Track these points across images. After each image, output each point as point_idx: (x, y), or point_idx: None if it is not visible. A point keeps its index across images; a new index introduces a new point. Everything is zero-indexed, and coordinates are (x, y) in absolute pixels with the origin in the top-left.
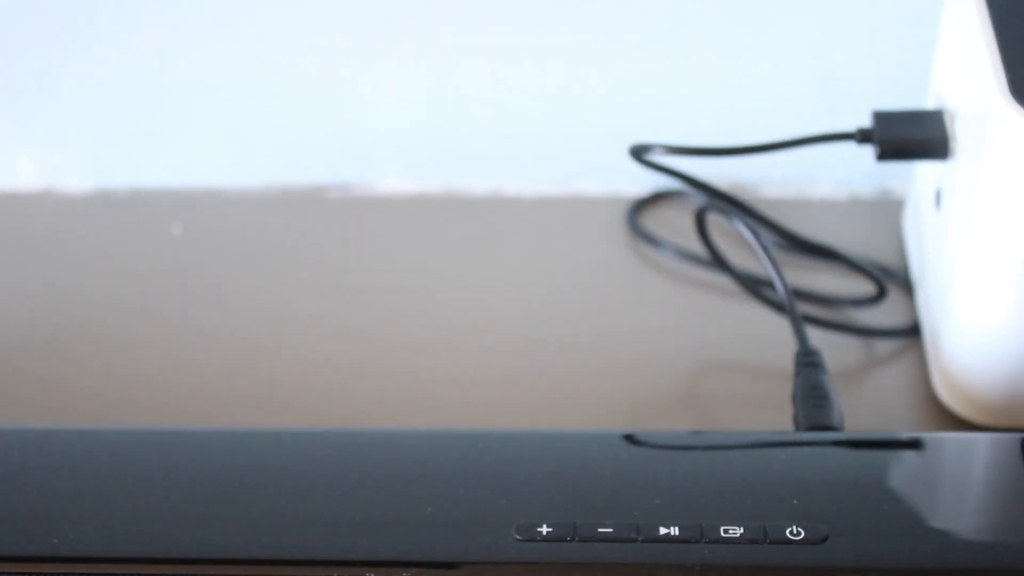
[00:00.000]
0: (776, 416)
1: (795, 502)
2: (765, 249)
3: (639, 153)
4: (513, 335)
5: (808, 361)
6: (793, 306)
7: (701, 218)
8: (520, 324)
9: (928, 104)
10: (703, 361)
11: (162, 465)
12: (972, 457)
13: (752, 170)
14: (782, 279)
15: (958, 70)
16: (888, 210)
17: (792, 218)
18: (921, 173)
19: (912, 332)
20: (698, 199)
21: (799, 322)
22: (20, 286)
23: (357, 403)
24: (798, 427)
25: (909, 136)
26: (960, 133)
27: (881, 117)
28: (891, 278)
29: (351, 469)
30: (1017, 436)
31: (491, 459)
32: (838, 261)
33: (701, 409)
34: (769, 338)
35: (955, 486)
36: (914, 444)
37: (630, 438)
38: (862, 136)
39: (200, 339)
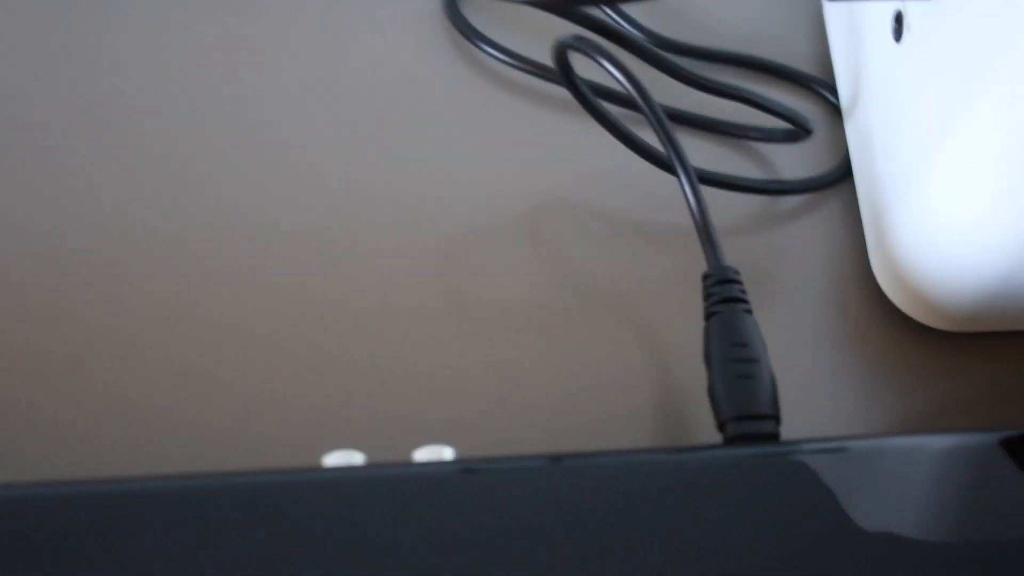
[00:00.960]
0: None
1: None
2: (646, 101)
3: None
4: (319, 139)
5: (725, 295)
6: (705, 216)
7: (561, 53)
8: (330, 130)
9: None
10: (543, 194)
11: None
12: (945, 471)
13: None
14: (678, 153)
15: None
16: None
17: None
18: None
19: (840, 178)
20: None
21: (709, 230)
22: None
23: None
24: (718, 414)
25: None
26: None
27: None
28: (811, 85)
29: None
30: (993, 436)
31: None
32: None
33: (538, 247)
34: (631, 171)
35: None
36: (877, 455)
37: (481, 485)
38: None
39: None
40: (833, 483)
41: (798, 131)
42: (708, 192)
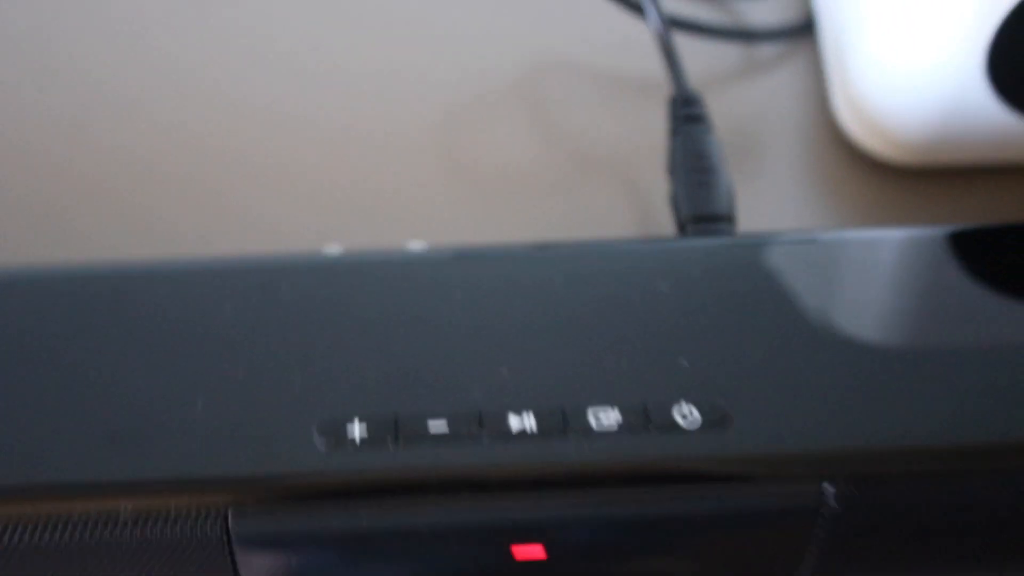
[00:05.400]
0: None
1: (684, 364)
2: None
3: None
4: (332, 25)
5: (688, 114)
6: (669, 44)
7: None
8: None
9: None
10: (545, 59)
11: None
12: (898, 261)
13: None
14: None
15: None
16: None
17: None
18: None
19: (804, 31)
20: None
21: (672, 55)
22: None
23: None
24: (678, 216)
25: None
26: None
27: None
28: None
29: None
30: (942, 230)
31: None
32: None
33: (539, 112)
34: (625, 39)
35: (882, 338)
36: (829, 246)
37: (456, 268)
38: None
39: None
40: (782, 270)
41: None
42: (681, 41)
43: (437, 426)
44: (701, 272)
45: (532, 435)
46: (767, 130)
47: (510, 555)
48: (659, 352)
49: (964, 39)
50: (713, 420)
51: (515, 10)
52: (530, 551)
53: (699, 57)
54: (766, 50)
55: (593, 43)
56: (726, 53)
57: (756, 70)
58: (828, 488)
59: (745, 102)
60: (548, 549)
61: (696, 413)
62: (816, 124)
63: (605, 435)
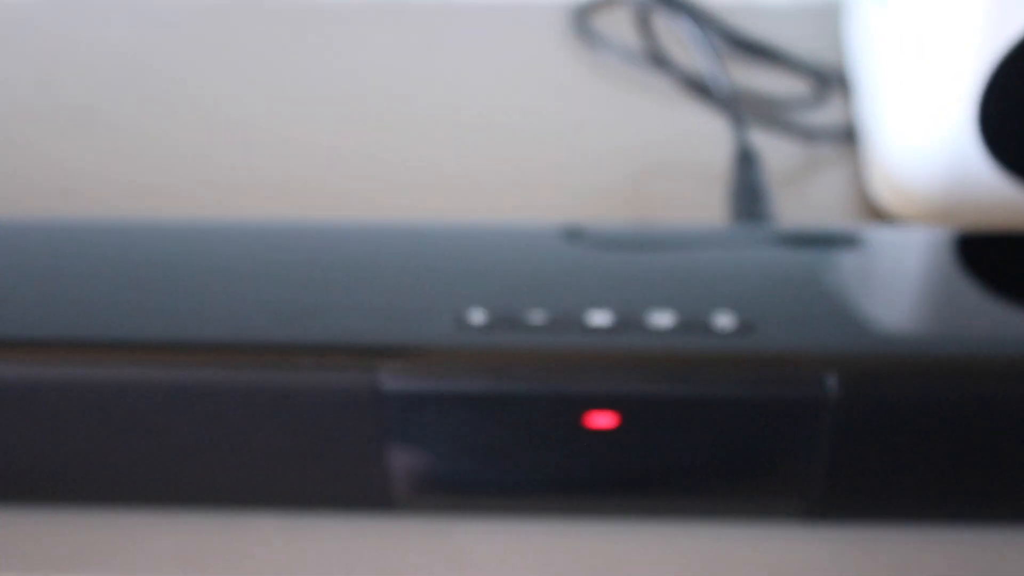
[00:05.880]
0: (714, 214)
1: (725, 291)
2: (708, 45)
3: None
4: (459, 134)
5: (744, 156)
6: (734, 103)
7: (644, 15)
8: (466, 124)
9: None
10: (645, 160)
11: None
12: (903, 248)
13: None
14: (724, 75)
15: None
16: (829, 16)
17: (733, 21)
18: None
19: (849, 135)
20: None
21: (739, 119)
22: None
23: (306, 197)
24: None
25: None
26: None
27: None
28: (830, 81)
29: (290, 258)
30: (947, 231)
31: (427, 251)
32: (778, 63)
33: (640, 205)
34: (710, 139)
35: (885, 276)
36: (846, 235)
37: (561, 231)
38: None
39: (158, 133)
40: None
41: (818, 94)
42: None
43: (536, 317)
44: (749, 238)
45: (608, 328)
46: (816, 199)
47: (583, 422)
48: (708, 280)
49: (954, 112)
50: (743, 326)
51: (621, 115)
52: (601, 418)
53: (766, 154)
54: (818, 150)
55: (687, 143)
56: (790, 151)
57: (815, 164)
58: (830, 379)
59: (802, 184)
60: (620, 414)
61: (729, 318)
62: (855, 198)
63: (661, 331)
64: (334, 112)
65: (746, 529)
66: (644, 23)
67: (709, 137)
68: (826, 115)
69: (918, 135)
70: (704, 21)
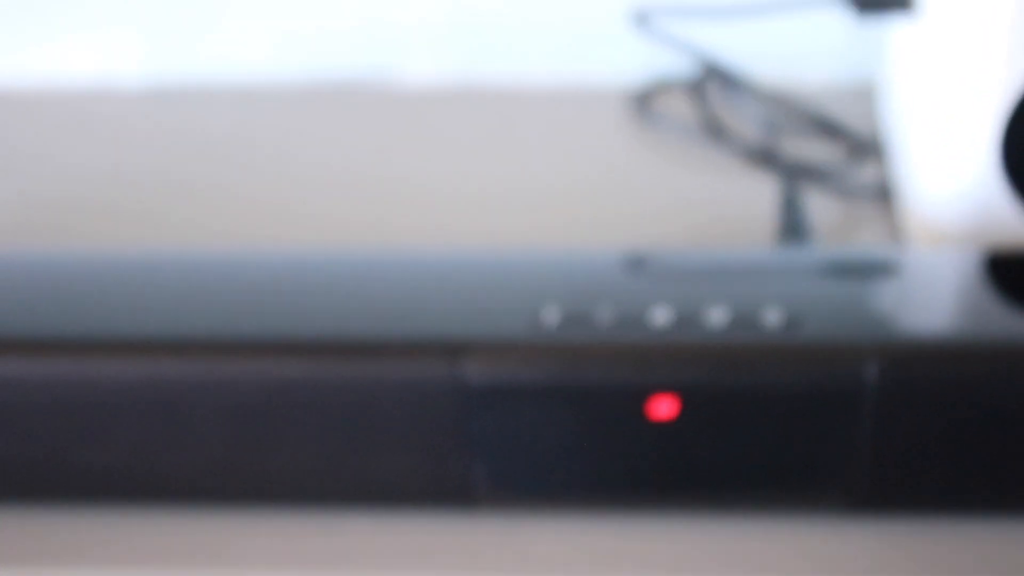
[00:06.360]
0: None
1: (775, 293)
2: (763, 116)
3: (642, 19)
4: (526, 221)
5: (790, 200)
6: (781, 163)
7: (701, 89)
8: (533, 210)
9: None
10: (699, 221)
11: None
12: (934, 265)
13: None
14: (775, 141)
15: None
16: (867, 95)
17: (780, 97)
18: (895, 46)
19: (884, 194)
20: (696, 77)
21: (787, 174)
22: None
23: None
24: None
25: None
26: None
27: None
28: (868, 148)
29: (377, 280)
30: (975, 252)
31: (504, 269)
32: (822, 132)
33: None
34: (765, 200)
35: (920, 286)
36: (884, 253)
37: (625, 254)
38: None
39: (232, 215)
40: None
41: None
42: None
43: (604, 317)
44: (796, 254)
45: (668, 326)
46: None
47: (645, 409)
48: (759, 284)
49: (978, 154)
50: (790, 321)
51: (679, 185)
52: (664, 403)
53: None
54: (856, 207)
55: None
56: (832, 207)
57: (855, 220)
58: (871, 367)
59: (842, 237)
60: (681, 398)
61: (778, 315)
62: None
63: (715, 328)
64: (421, 190)
65: (793, 522)
66: (699, 100)
67: (763, 199)
68: (864, 176)
69: (945, 180)
70: (755, 95)
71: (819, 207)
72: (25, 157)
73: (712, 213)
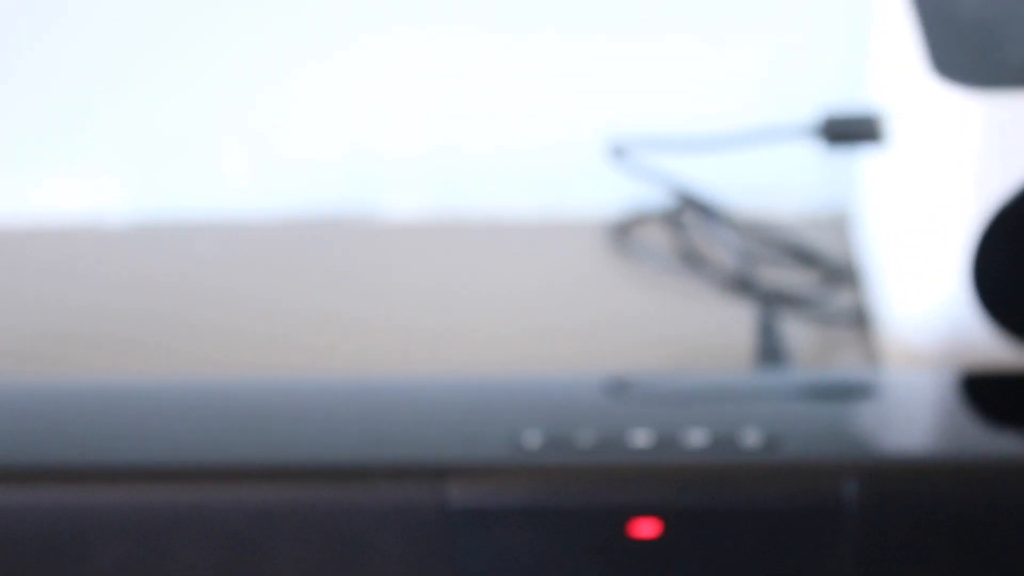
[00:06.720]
0: None
1: (753, 414)
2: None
3: (619, 153)
4: (507, 352)
5: (767, 325)
6: (756, 290)
7: (678, 219)
8: (514, 340)
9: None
10: (678, 349)
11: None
12: (911, 386)
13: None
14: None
15: (889, 61)
16: (841, 224)
17: (756, 226)
18: (867, 175)
19: (860, 319)
20: (672, 209)
21: (762, 300)
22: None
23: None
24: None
25: (850, 128)
26: (895, 117)
27: (829, 116)
28: (843, 275)
29: (359, 406)
30: (951, 373)
31: (484, 395)
32: (798, 261)
33: None
34: (742, 327)
35: (895, 406)
36: (860, 374)
37: (603, 378)
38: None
39: (221, 347)
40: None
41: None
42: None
43: (585, 440)
44: (773, 377)
45: (648, 448)
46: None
47: (627, 530)
48: (737, 405)
49: (949, 277)
50: (770, 441)
51: (657, 313)
52: (646, 524)
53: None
54: (832, 334)
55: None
56: (808, 334)
57: (831, 345)
58: (850, 485)
59: (820, 362)
60: (663, 519)
61: (758, 436)
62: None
63: (695, 449)
64: (404, 322)
65: None
66: (676, 230)
67: (741, 326)
68: (840, 303)
69: (918, 303)
70: (731, 225)
71: (796, 333)
72: (10, 293)
73: (691, 341)
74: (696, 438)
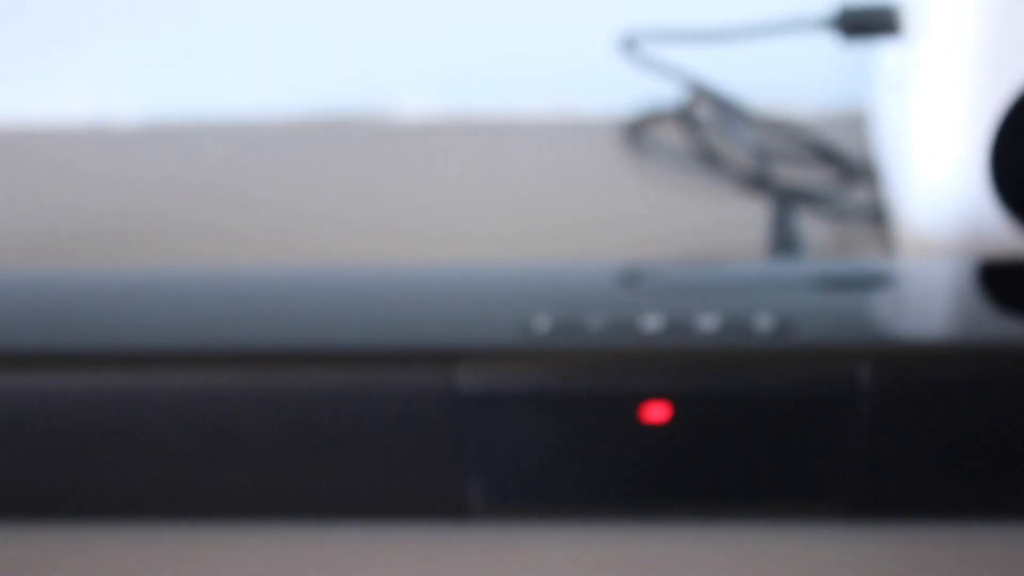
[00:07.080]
0: None
1: (766, 300)
2: (754, 142)
3: (630, 45)
4: (519, 247)
5: (782, 217)
6: (773, 186)
7: (692, 116)
8: (526, 237)
9: None
10: (692, 245)
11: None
12: (926, 274)
13: (732, 80)
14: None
15: None
16: (858, 121)
17: (772, 122)
18: (884, 68)
19: (877, 216)
20: (685, 106)
21: (779, 197)
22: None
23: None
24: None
25: (867, 20)
26: (912, 6)
27: (846, 8)
28: (860, 172)
29: (369, 293)
30: (966, 261)
31: (494, 279)
32: (811, 158)
33: None
34: (757, 223)
35: (910, 292)
36: (874, 262)
37: (617, 266)
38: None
39: (229, 246)
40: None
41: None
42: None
43: (596, 324)
44: (788, 264)
45: (660, 332)
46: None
47: (637, 415)
48: (750, 291)
49: (965, 165)
50: (782, 326)
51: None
52: (657, 408)
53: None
54: (855, 228)
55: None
56: (825, 230)
57: (847, 241)
58: (864, 369)
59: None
60: (673, 404)
61: (771, 321)
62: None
63: (707, 334)
64: (414, 220)
65: (788, 528)
66: (690, 127)
67: (757, 223)
68: (856, 200)
69: (935, 193)
70: (747, 121)
71: (812, 229)
72: (19, 193)
73: (705, 238)
74: (708, 323)
